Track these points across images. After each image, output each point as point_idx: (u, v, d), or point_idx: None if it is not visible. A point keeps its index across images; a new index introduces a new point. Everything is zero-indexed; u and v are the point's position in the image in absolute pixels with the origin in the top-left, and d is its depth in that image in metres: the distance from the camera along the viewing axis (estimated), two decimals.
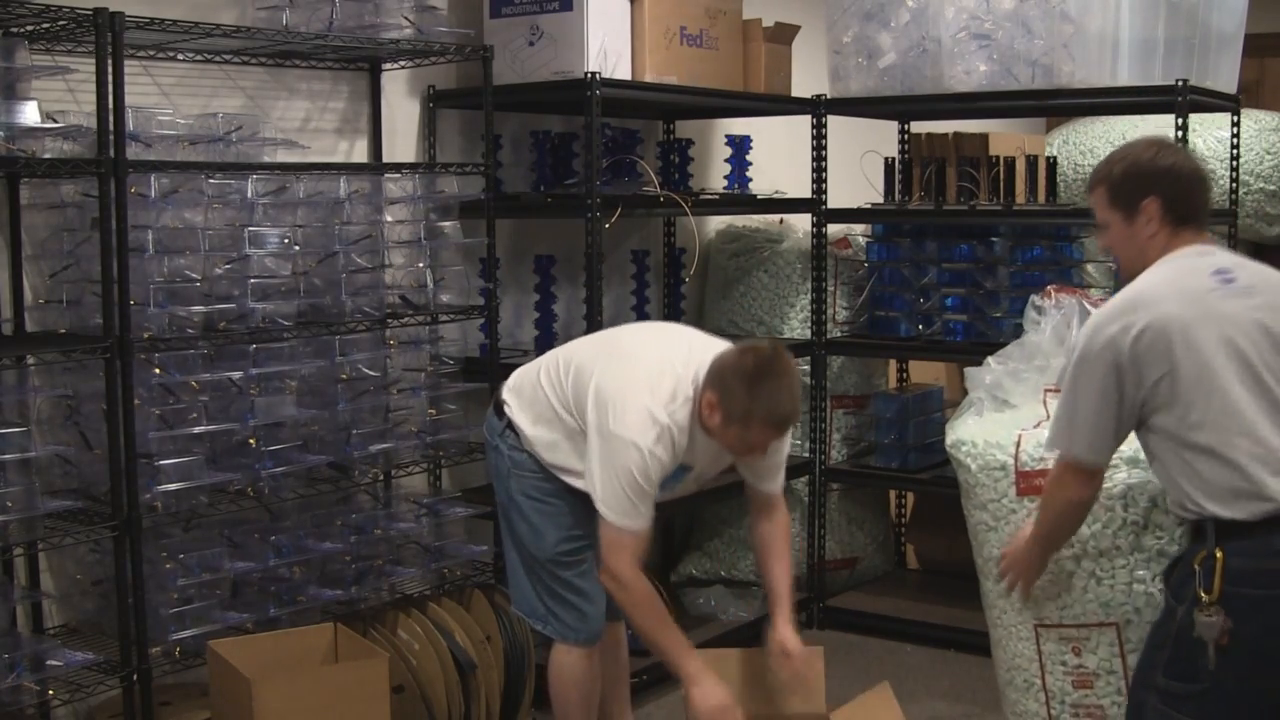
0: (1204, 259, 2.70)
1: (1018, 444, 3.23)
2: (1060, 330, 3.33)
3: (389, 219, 3.92)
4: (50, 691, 3.12)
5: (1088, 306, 3.27)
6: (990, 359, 3.48)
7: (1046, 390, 3.32)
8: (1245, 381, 2.54)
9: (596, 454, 3.10)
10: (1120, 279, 2.95)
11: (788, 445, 3.37)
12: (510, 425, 3.34)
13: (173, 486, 3.30)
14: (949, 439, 3.42)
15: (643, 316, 4.97)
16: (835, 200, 5.00)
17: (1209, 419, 2.53)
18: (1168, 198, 2.72)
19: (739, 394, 3.01)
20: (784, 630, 3.35)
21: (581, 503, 3.23)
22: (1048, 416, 3.20)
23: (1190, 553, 2.55)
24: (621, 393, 3.10)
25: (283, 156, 3.77)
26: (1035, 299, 3.46)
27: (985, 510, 3.30)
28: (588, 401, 3.15)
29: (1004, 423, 3.34)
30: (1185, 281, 2.65)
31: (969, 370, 3.53)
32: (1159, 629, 2.63)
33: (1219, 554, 2.46)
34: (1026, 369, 3.40)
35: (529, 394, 3.35)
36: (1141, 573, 3.06)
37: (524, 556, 3.36)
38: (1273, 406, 2.54)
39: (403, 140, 4.31)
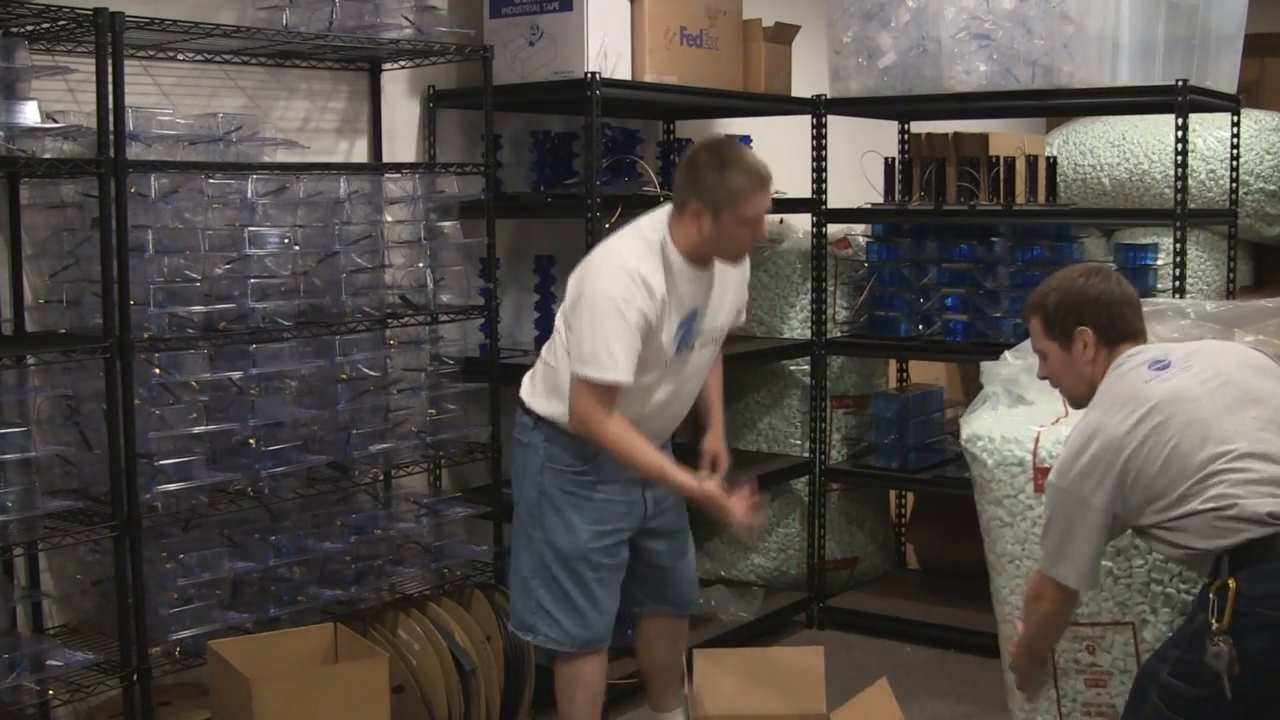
0: (1137, 357, 2.82)
1: (1036, 441, 3.22)
2: None
3: (389, 219, 3.92)
4: (50, 691, 3.12)
5: None
6: (1008, 354, 3.49)
7: None
8: (1210, 438, 2.61)
9: (576, 323, 3.16)
10: (1068, 401, 3.08)
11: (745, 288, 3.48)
12: (540, 418, 3.33)
13: (173, 486, 3.30)
14: (964, 433, 3.42)
15: None
16: (835, 200, 5.00)
17: (1186, 490, 2.61)
18: (1101, 324, 2.86)
19: (713, 177, 3.13)
20: (714, 440, 3.51)
21: (614, 500, 3.30)
22: (1066, 414, 3.20)
23: (1209, 582, 2.60)
24: (594, 264, 3.22)
25: (283, 156, 3.77)
26: None
27: (1000, 506, 3.30)
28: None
29: (1020, 418, 3.35)
30: (1124, 386, 2.77)
31: (985, 365, 3.54)
32: (1183, 628, 2.68)
33: (1231, 584, 2.51)
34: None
35: (540, 375, 3.38)
36: (1159, 574, 3.06)
37: (543, 558, 3.33)
38: (1250, 436, 2.61)
39: (403, 140, 4.31)
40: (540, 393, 3.35)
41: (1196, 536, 2.59)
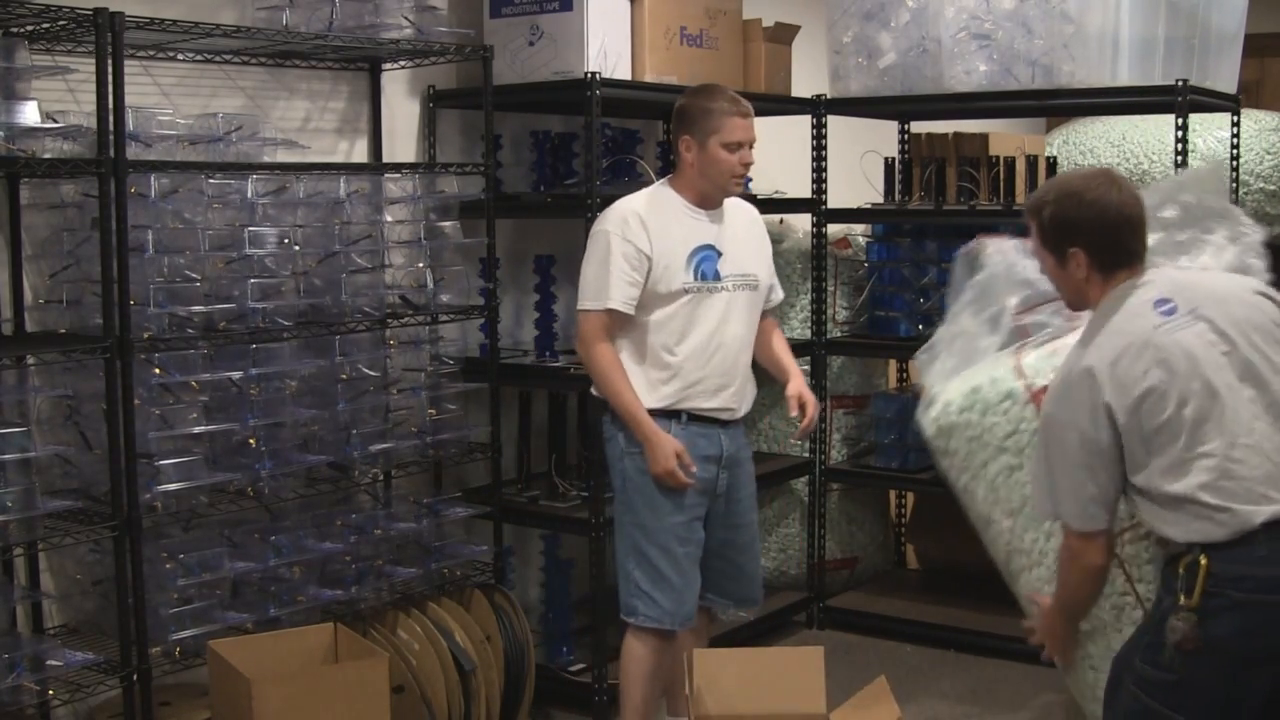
0: (1142, 291, 2.69)
1: (1017, 369, 3.12)
2: (999, 282, 3.29)
3: (389, 219, 3.92)
4: (50, 691, 3.11)
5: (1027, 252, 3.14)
6: (942, 330, 3.39)
7: (1015, 315, 3.24)
8: (1213, 412, 2.54)
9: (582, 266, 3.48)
10: (1066, 303, 2.95)
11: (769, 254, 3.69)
12: (613, 410, 3.50)
13: (173, 486, 3.30)
14: (932, 411, 3.30)
15: None
16: (835, 200, 5.00)
17: (1180, 457, 2.54)
18: (1094, 248, 2.72)
19: (697, 110, 3.48)
20: (796, 384, 3.65)
21: (691, 477, 3.45)
22: (1027, 336, 3.15)
23: (1176, 555, 2.56)
24: (601, 219, 3.53)
25: (283, 156, 3.77)
26: (966, 249, 3.43)
27: (1005, 452, 3.17)
28: None
29: (981, 371, 3.22)
30: (1129, 324, 2.64)
31: (919, 358, 3.43)
32: (1152, 611, 2.64)
33: (1203, 560, 2.49)
34: (972, 336, 3.31)
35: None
36: None
37: (636, 541, 3.50)
38: (1247, 422, 2.55)
39: (403, 140, 4.31)
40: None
41: (1180, 529, 2.53)
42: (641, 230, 3.41)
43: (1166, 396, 2.56)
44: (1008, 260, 3.35)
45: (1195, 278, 2.81)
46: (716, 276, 3.48)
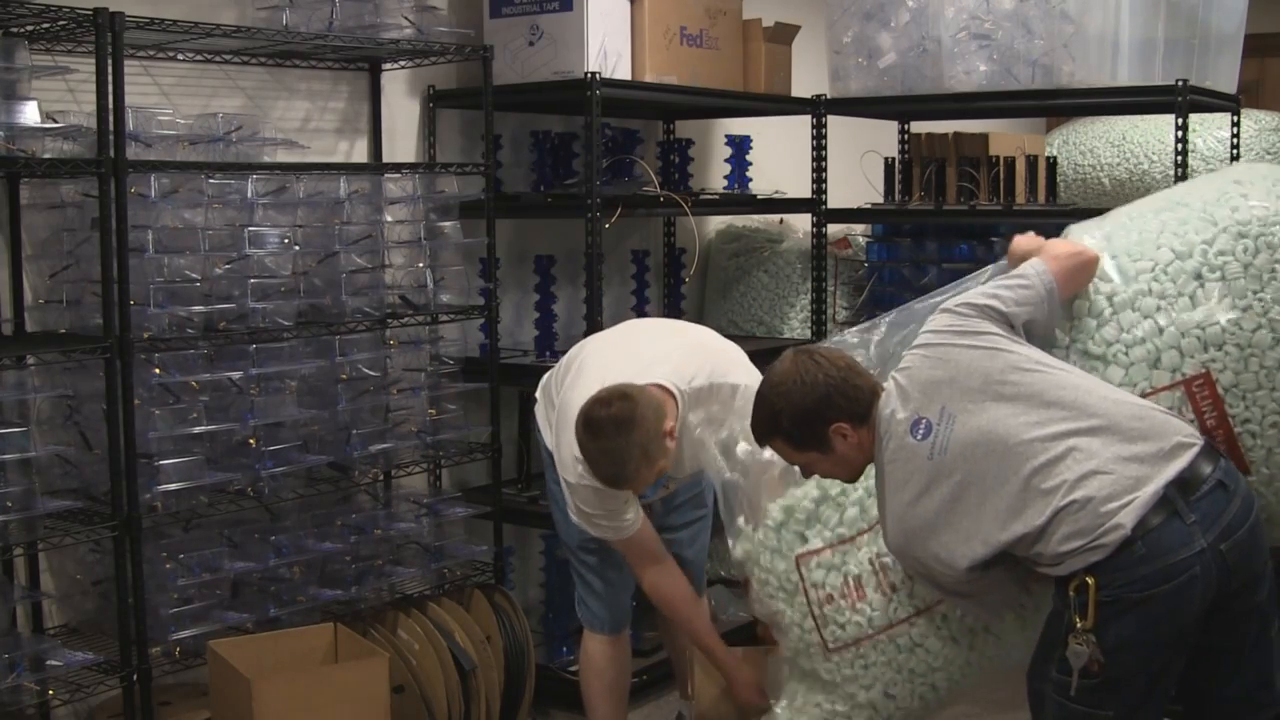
0: (895, 430, 2.65)
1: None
2: None
3: (389, 219, 3.92)
4: (50, 691, 3.12)
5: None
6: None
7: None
8: (1038, 475, 2.51)
9: (569, 489, 3.25)
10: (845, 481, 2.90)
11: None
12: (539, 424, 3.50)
13: (173, 486, 3.30)
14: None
15: (643, 316, 4.96)
16: (835, 200, 5.00)
17: (1040, 532, 2.51)
18: (844, 411, 2.69)
19: (580, 438, 3.05)
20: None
21: None
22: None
23: (1066, 577, 2.53)
24: (563, 424, 3.19)
25: (283, 156, 3.77)
26: None
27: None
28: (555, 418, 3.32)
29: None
30: (906, 469, 2.62)
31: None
32: (1051, 626, 2.62)
33: (1090, 580, 2.47)
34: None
35: (548, 394, 3.48)
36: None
37: (566, 548, 3.54)
38: (1070, 459, 2.51)
39: (403, 140, 4.31)
40: (544, 410, 3.48)
41: (1063, 568, 2.52)
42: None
43: (983, 511, 2.54)
44: None
45: (917, 374, 2.68)
46: (651, 490, 3.34)
